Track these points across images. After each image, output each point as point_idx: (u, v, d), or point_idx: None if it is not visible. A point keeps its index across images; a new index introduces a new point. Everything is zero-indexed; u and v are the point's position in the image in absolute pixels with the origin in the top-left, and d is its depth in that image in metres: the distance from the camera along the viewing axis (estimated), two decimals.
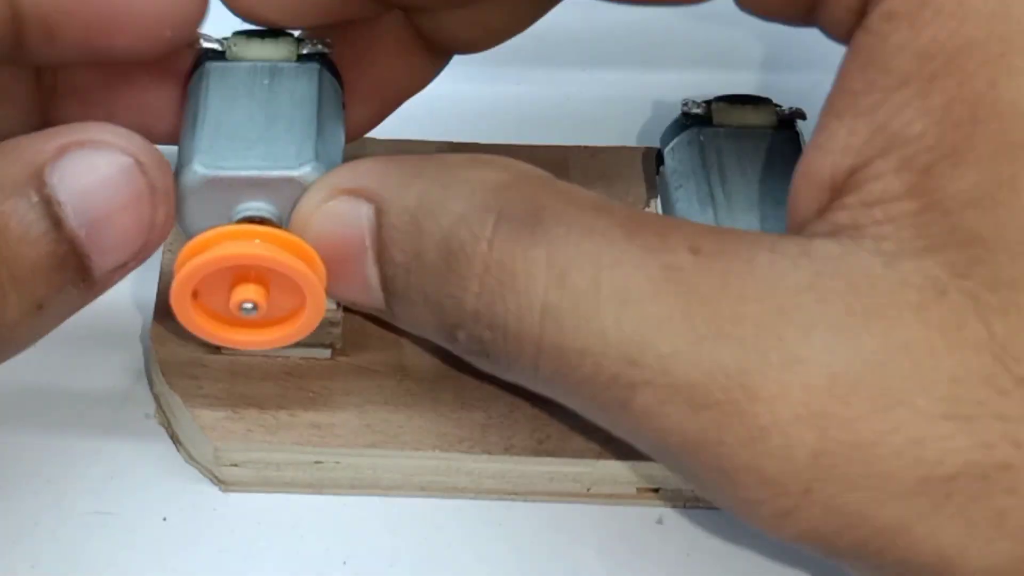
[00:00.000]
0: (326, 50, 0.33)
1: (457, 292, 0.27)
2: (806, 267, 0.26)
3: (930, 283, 0.25)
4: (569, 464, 0.34)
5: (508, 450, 0.34)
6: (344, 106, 0.33)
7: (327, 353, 0.35)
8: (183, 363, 0.35)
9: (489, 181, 0.28)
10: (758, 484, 0.25)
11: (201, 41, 0.32)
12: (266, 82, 0.32)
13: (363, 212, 0.29)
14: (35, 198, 0.28)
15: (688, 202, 0.35)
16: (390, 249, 0.29)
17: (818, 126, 0.27)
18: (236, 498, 0.35)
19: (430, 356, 0.36)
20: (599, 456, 0.34)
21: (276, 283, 0.30)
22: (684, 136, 0.37)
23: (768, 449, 0.25)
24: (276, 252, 0.29)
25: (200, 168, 0.30)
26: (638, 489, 0.35)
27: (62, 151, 0.28)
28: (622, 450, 0.34)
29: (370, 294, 0.30)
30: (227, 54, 0.32)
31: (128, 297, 0.37)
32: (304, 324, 0.31)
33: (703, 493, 0.28)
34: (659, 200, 0.38)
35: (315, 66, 0.32)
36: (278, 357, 0.35)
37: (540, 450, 0.34)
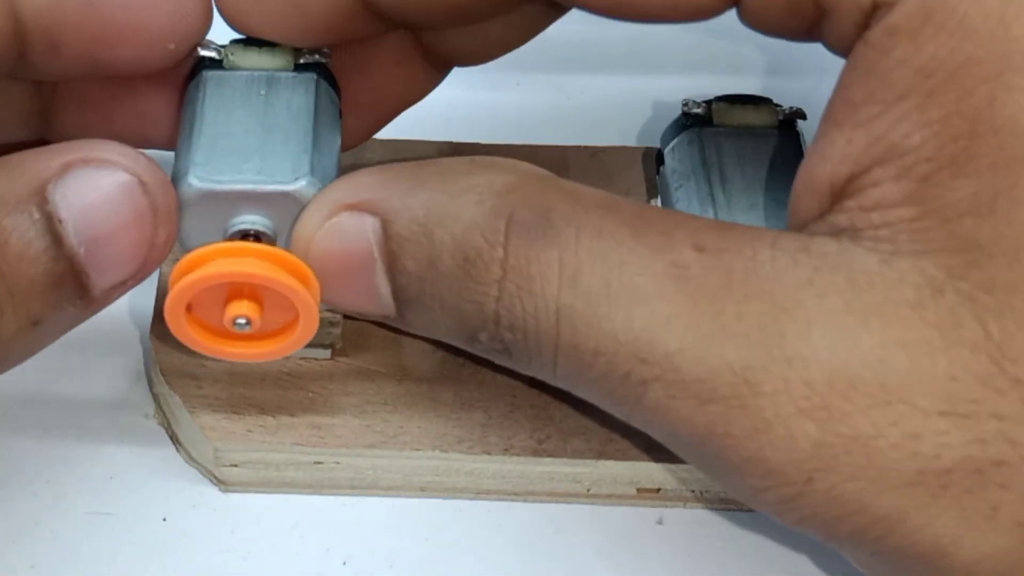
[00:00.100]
0: (324, 60, 0.33)
1: (478, 297, 0.28)
2: (805, 263, 0.27)
3: (927, 282, 0.26)
4: (569, 464, 0.35)
5: (508, 450, 0.35)
6: (341, 115, 0.34)
7: (327, 354, 0.36)
8: (183, 364, 0.35)
9: (495, 185, 0.29)
10: (763, 473, 0.27)
11: (199, 49, 0.33)
12: (263, 92, 0.32)
13: (368, 225, 0.30)
14: (37, 215, 0.28)
15: (688, 202, 0.36)
16: (402, 259, 0.29)
17: (818, 134, 0.28)
18: (236, 498, 0.35)
19: (430, 357, 0.36)
20: (599, 456, 0.35)
21: (270, 299, 0.31)
22: (684, 136, 0.37)
23: (772, 440, 0.26)
24: (269, 270, 0.30)
25: (196, 182, 0.30)
26: (638, 489, 0.35)
27: (66, 168, 0.29)
28: (622, 451, 0.34)
29: (380, 304, 0.30)
30: (224, 63, 0.33)
31: (127, 298, 0.37)
32: (297, 339, 0.31)
33: (713, 480, 0.30)
34: (659, 200, 0.39)
35: (312, 76, 0.33)
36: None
37: (540, 450, 0.35)
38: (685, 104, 0.38)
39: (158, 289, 0.37)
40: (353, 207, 0.30)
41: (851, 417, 0.26)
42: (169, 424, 0.36)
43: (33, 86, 0.34)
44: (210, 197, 0.30)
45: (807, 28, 0.29)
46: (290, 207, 0.30)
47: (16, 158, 0.29)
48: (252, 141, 0.31)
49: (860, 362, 0.26)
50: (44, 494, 0.35)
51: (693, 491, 0.35)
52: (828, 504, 0.26)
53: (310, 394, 0.35)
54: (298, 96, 0.32)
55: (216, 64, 0.33)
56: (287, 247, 0.30)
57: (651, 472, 0.35)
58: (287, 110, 0.32)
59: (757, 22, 0.29)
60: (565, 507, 0.35)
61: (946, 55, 0.26)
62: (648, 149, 0.42)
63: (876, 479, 0.26)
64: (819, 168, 0.28)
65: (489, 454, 0.34)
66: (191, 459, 0.35)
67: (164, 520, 0.34)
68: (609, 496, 0.35)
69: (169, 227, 0.30)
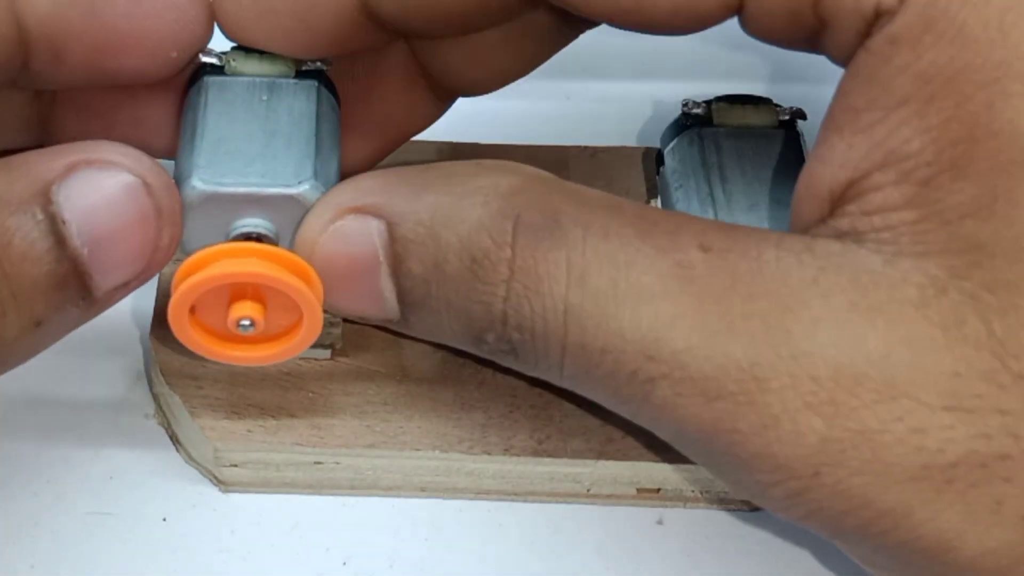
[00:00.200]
0: (324, 67, 0.33)
1: (485, 298, 0.29)
2: (810, 263, 0.27)
3: (930, 281, 0.27)
4: (569, 464, 0.35)
5: (508, 451, 0.35)
6: (340, 121, 0.34)
7: (327, 354, 0.36)
8: (183, 364, 0.36)
9: (501, 187, 0.29)
10: (770, 468, 0.27)
11: (200, 55, 0.33)
12: (264, 98, 0.33)
13: (373, 229, 0.30)
14: (40, 215, 0.29)
15: (688, 202, 0.36)
16: (407, 262, 0.30)
17: (819, 140, 0.29)
18: (236, 498, 0.35)
19: (430, 357, 0.37)
20: (599, 456, 0.35)
21: (273, 300, 0.31)
22: (684, 136, 0.38)
23: (779, 435, 0.27)
24: (273, 270, 0.30)
25: (199, 184, 0.31)
26: (638, 489, 0.35)
27: (70, 169, 0.29)
28: (622, 451, 0.34)
29: (383, 307, 0.31)
30: (225, 69, 0.33)
31: (128, 298, 0.37)
32: (301, 340, 0.32)
33: (719, 477, 0.30)
34: (659, 200, 0.39)
35: (313, 83, 0.33)
36: None
37: (540, 451, 0.35)
38: (685, 104, 0.38)
39: (158, 289, 0.37)
40: (357, 210, 0.30)
41: (857, 412, 0.26)
42: (169, 424, 0.36)
43: (33, 93, 0.34)
44: (214, 200, 0.31)
45: (808, 37, 0.29)
46: (293, 210, 0.31)
47: (19, 159, 0.30)
48: (255, 145, 0.32)
49: (865, 358, 0.26)
50: (44, 494, 0.35)
51: (693, 491, 0.35)
52: (834, 498, 0.27)
53: (310, 394, 0.36)
54: (300, 102, 0.33)
55: (217, 70, 0.33)
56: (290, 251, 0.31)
57: (651, 472, 0.35)
58: (289, 115, 0.32)
59: (759, 31, 0.30)
60: (565, 507, 0.35)
61: (945, 62, 0.27)
62: (648, 149, 0.42)
63: (882, 473, 0.26)
64: (820, 173, 0.28)
65: (489, 454, 0.35)
66: (191, 459, 0.36)
67: (164, 520, 0.35)
68: (609, 496, 0.35)
69: (173, 229, 0.30)
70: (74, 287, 0.30)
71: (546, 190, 0.29)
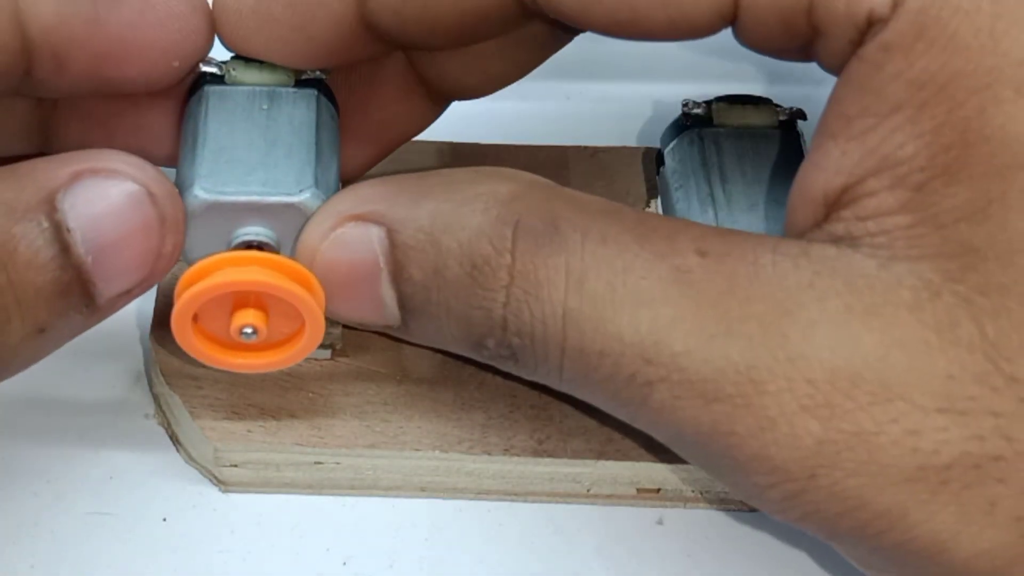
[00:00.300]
0: (323, 76, 0.34)
1: (485, 303, 0.29)
2: (806, 267, 0.28)
3: (924, 285, 0.27)
4: (569, 465, 0.35)
5: (508, 451, 0.35)
6: (339, 130, 0.34)
7: (327, 354, 0.37)
8: (183, 364, 0.36)
9: (500, 193, 0.30)
10: (767, 470, 0.28)
11: (200, 65, 0.33)
12: (265, 107, 0.33)
13: (374, 235, 0.30)
14: (45, 223, 0.29)
15: (688, 202, 0.36)
16: (408, 268, 0.30)
17: (813, 146, 0.29)
18: (236, 498, 0.36)
19: (430, 357, 0.37)
20: (599, 457, 0.35)
21: (275, 308, 0.31)
22: (684, 136, 0.38)
23: (776, 438, 0.27)
24: (276, 278, 0.30)
25: (201, 193, 0.31)
26: (638, 489, 0.36)
27: (75, 178, 0.30)
28: (622, 451, 0.35)
29: (384, 314, 0.31)
30: (226, 78, 0.33)
31: None
32: (303, 347, 0.32)
33: (716, 479, 0.31)
34: (659, 200, 0.39)
35: (313, 92, 0.34)
36: None
37: (540, 451, 0.35)
38: (685, 104, 0.38)
39: (158, 291, 0.37)
40: (358, 218, 0.30)
41: (853, 414, 0.27)
42: (169, 424, 0.36)
43: (35, 100, 0.35)
44: (215, 208, 0.31)
45: (801, 46, 0.30)
46: (294, 218, 0.31)
47: (25, 166, 0.30)
48: (256, 154, 0.32)
49: (861, 361, 0.27)
50: (44, 494, 0.35)
51: (693, 491, 0.36)
52: (830, 500, 0.27)
53: (310, 394, 0.36)
54: (300, 111, 0.33)
55: (217, 79, 0.34)
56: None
57: (651, 472, 0.35)
58: (289, 124, 0.33)
59: (752, 40, 0.30)
60: (565, 507, 0.36)
61: (937, 69, 0.27)
62: (648, 149, 0.42)
63: (877, 475, 0.27)
64: (815, 179, 0.29)
65: (489, 454, 0.35)
66: (191, 459, 0.36)
67: (164, 520, 0.35)
68: (609, 496, 0.36)
69: (176, 237, 0.31)
70: (77, 294, 0.30)
71: (545, 196, 0.30)
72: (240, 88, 0.33)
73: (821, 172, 0.28)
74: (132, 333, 0.39)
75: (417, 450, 0.35)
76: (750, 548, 0.35)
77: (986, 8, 0.27)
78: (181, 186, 0.31)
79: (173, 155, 0.34)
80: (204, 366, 0.35)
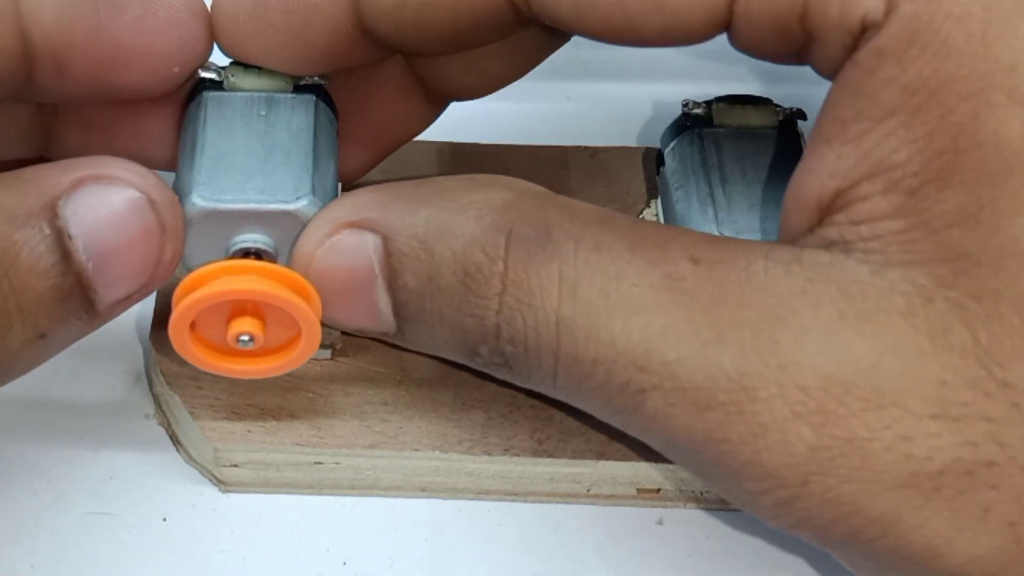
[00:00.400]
0: (322, 81, 0.34)
1: (478, 311, 0.29)
2: (798, 273, 0.28)
3: (917, 291, 0.27)
4: (569, 465, 0.35)
5: (508, 451, 0.35)
6: (338, 135, 0.35)
7: (327, 354, 0.37)
8: (183, 365, 0.36)
9: (494, 201, 0.30)
10: (760, 477, 0.28)
11: (199, 70, 0.34)
12: (263, 113, 0.33)
13: (369, 243, 0.31)
14: (47, 230, 0.30)
15: (688, 202, 0.36)
16: (402, 275, 0.30)
17: (807, 150, 0.30)
18: (236, 498, 0.36)
19: (430, 358, 0.37)
20: (599, 457, 0.35)
21: (272, 315, 0.32)
22: (684, 136, 0.38)
23: (768, 444, 0.27)
24: (272, 287, 0.31)
25: (199, 200, 0.31)
26: (638, 490, 0.36)
27: (76, 184, 0.30)
28: (622, 451, 0.35)
29: (379, 320, 0.32)
30: (224, 84, 0.34)
31: None
32: (300, 354, 0.33)
33: (710, 485, 0.31)
34: (659, 200, 0.39)
35: (311, 98, 0.34)
36: None
37: (540, 451, 0.35)
38: (685, 104, 0.38)
39: (158, 291, 0.37)
40: (354, 225, 0.31)
41: (845, 421, 0.27)
42: (169, 424, 0.37)
43: (35, 105, 0.35)
44: (213, 216, 0.31)
45: (795, 51, 0.30)
46: (291, 226, 0.31)
47: (27, 173, 0.30)
48: (254, 161, 0.32)
49: (853, 367, 0.27)
50: (44, 494, 0.35)
51: (693, 492, 0.36)
52: (824, 507, 0.27)
53: (310, 395, 0.36)
54: (298, 117, 0.33)
55: (216, 85, 0.34)
56: (288, 265, 0.31)
57: (651, 473, 0.35)
58: (287, 130, 0.33)
59: (747, 46, 0.30)
60: (565, 507, 0.36)
61: (930, 74, 0.27)
62: (648, 149, 0.42)
63: (870, 481, 0.27)
64: (809, 183, 0.29)
65: (489, 454, 0.35)
66: (191, 459, 0.36)
67: (164, 520, 0.35)
68: (609, 496, 0.36)
69: (176, 244, 0.31)
70: (78, 300, 0.30)
71: (539, 204, 0.30)
72: (238, 94, 0.34)
73: (816, 176, 0.29)
74: (132, 333, 0.39)
75: (417, 450, 0.35)
76: (750, 549, 0.35)
77: (978, 14, 0.27)
78: (179, 193, 0.32)
79: (173, 159, 0.34)
80: None
